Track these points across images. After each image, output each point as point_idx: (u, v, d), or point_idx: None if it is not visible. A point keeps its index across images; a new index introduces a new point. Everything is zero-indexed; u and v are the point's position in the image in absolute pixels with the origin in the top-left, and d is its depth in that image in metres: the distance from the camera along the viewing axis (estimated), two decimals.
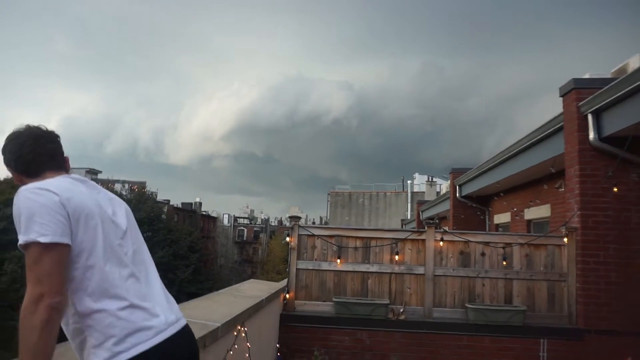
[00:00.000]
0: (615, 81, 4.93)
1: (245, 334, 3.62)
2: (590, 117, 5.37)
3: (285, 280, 5.79)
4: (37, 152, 1.55)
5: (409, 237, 5.62)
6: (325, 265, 5.64)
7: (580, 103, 5.48)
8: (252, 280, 6.18)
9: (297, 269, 5.64)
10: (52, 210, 1.35)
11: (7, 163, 1.57)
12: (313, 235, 5.71)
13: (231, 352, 3.25)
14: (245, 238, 64.51)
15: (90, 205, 1.46)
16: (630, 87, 4.65)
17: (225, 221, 63.78)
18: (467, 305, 5.36)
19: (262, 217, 72.97)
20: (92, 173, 40.12)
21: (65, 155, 1.67)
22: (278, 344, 5.19)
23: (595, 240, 5.31)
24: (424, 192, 32.27)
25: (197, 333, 2.63)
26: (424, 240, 5.59)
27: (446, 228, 12.96)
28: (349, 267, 5.62)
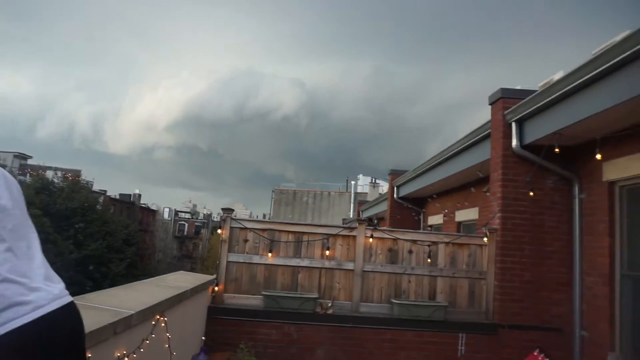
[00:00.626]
0: (536, 92, 5.27)
1: (166, 323, 3.54)
2: (514, 125, 5.70)
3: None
4: None
5: (340, 233, 5.72)
6: (256, 259, 5.62)
7: (506, 112, 5.80)
8: (181, 272, 6.05)
9: (227, 261, 5.58)
10: None
11: None
12: (245, 228, 5.67)
13: (147, 341, 3.17)
14: (186, 233, 62.92)
15: None
16: (548, 99, 4.98)
17: (166, 215, 61.91)
18: (392, 300, 5.53)
19: (205, 212, 71.47)
20: (21, 158, 37.62)
21: None
22: (204, 336, 5.11)
23: (512, 241, 5.65)
24: (367, 193, 32.89)
25: (109, 320, 2.56)
26: (354, 236, 5.71)
27: (384, 228, 13.27)
28: (280, 261, 5.64)
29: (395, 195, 12.25)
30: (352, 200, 35.67)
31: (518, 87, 6.80)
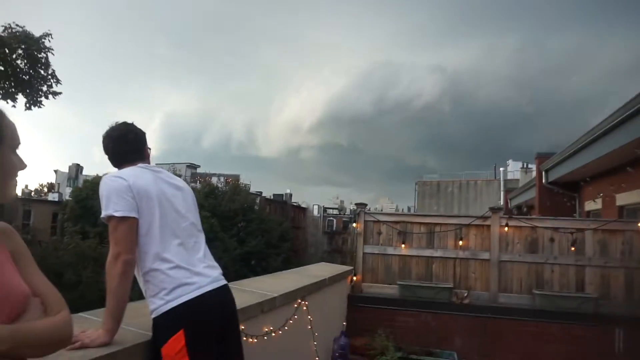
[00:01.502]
0: None
1: (307, 307, 4.02)
2: None
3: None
4: (121, 150, 2.06)
5: (473, 223, 5.67)
6: (390, 250, 5.88)
7: None
8: (322, 263, 6.59)
9: (363, 253, 5.95)
10: (122, 192, 1.82)
11: (105, 151, 2.12)
12: (378, 221, 5.97)
13: (291, 321, 3.67)
14: (334, 228, 65.67)
15: (151, 189, 1.92)
16: None
17: (315, 212, 65.47)
18: (534, 291, 5.30)
19: (351, 208, 73.76)
20: (192, 167, 43.59)
21: (146, 147, 2.16)
22: (345, 322, 5.55)
23: None
24: (518, 180, 30.61)
25: (257, 300, 3.09)
26: (489, 226, 5.60)
27: (534, 216, 12.41)
28: (414, 252, 5.81)
29: (544, 181, 11.35)
30: (501, 188, 33.52)
31: None
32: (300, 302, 3.90)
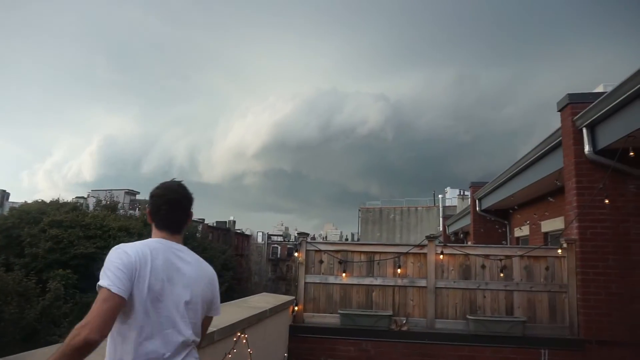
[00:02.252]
0: (605, 94, 5.08)
1: (247, 340, 3.97)
2: (584, 130, 5.52)
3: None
4: (160, 215, 1.93)
5: (411, 251, 5.87)
6: (332, 279, 5.95)
7: (575, 117, 5.63)
8: (263, 293, 6.54)
9: (305, 282, 5.97)
10: (122, 268, 1.68)
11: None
12: (320, 250, 6.04)
13: (229, 355, 3.61)
14: (279, 255, 65.08)
15: (152, 275, 1.75)
16: (619, 100, 4.79)
17: (260, 239, 64.68)
18: (468, 316, 5.53)
19: (296, 234, 73.53)
20: (130, 194, 41.88)
21: (189, 213, 2.02)
22: (286, 353, 5.50)
23: (593, 251, 5.40)
24: (456, 207, 31.92)
25: None
26: (425, 254, 5.82)
27: (469, 242, 12.97)
28: (354, 281, 5.91)
29: (477, 208, 11.97)
30: (440, 215, 34.78)
31: (600, 88, 6.56)
32: (239, 335, 3.85)
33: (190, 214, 2.05)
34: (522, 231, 10.35)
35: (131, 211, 36.95)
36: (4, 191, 44.70)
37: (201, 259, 2.06)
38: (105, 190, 37.74)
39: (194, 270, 1.94)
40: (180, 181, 2.06)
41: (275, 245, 66.80)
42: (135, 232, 26.81)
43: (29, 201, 32.42)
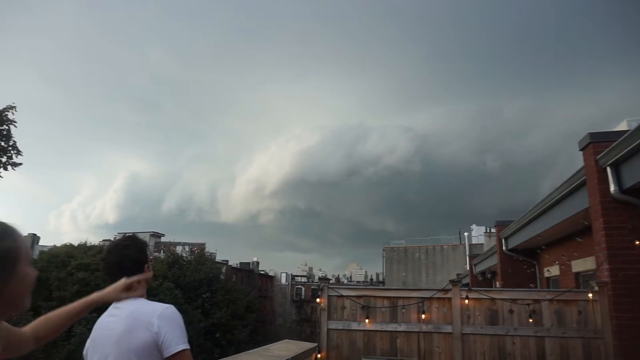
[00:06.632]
0: (628, 132, 5.01)
1: None
2: (609, 169, 5.42)
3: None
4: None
5: (435, 296, 5.74)
6: (354, 325, 5.83)
7: (598, 156, 5.55)
8: (285, 340, 6.43)
9: (327, 329, 5.87)
10: None
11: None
12: (342, 295, 5.96)
13: None
14: (303, 296, 64.13)
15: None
16: None
17: (283, 280, 64.08)
18: None
19: (320, 275, 72.68)
20: (155, 236, 42.45)
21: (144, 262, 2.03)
22: None
23: (627, 294, 5.18)
24: (482, 244, 31.21)
25: None
26: (450, 298, 5.68)
27: (497, 282, 12.56)
28: (378, 327, 5.78)
29: (504, 248, 11.66)
30: (467, 253, 34.02)
31: (623, 124, 6.48)
32: None
33: (134, 265, 2.00)
34: (552, 272, 10.01)
35: (156, 253, 37.32)
36: (35, 234, 45.80)
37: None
38: (132, 232, 38.42)
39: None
40: (129, 235, 2.10)
41: (299, 286, 65.96)
42: (160, 274, 26.96)
43: (58, 244, 33.13)
